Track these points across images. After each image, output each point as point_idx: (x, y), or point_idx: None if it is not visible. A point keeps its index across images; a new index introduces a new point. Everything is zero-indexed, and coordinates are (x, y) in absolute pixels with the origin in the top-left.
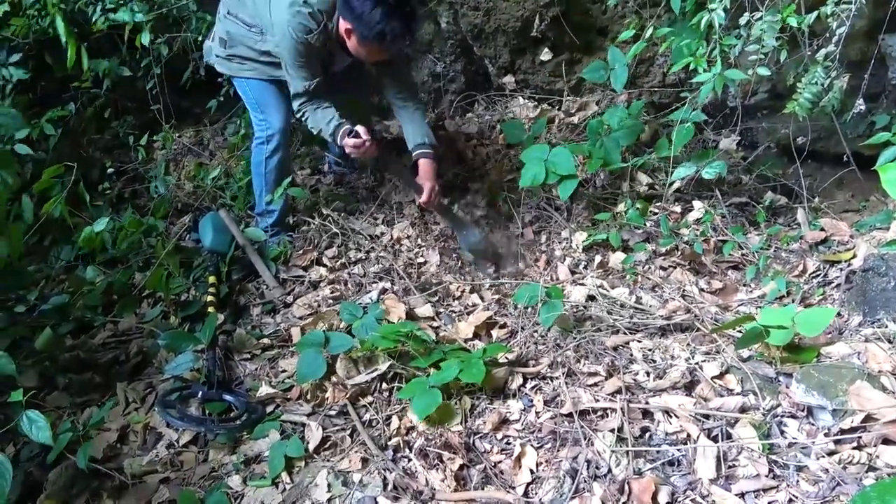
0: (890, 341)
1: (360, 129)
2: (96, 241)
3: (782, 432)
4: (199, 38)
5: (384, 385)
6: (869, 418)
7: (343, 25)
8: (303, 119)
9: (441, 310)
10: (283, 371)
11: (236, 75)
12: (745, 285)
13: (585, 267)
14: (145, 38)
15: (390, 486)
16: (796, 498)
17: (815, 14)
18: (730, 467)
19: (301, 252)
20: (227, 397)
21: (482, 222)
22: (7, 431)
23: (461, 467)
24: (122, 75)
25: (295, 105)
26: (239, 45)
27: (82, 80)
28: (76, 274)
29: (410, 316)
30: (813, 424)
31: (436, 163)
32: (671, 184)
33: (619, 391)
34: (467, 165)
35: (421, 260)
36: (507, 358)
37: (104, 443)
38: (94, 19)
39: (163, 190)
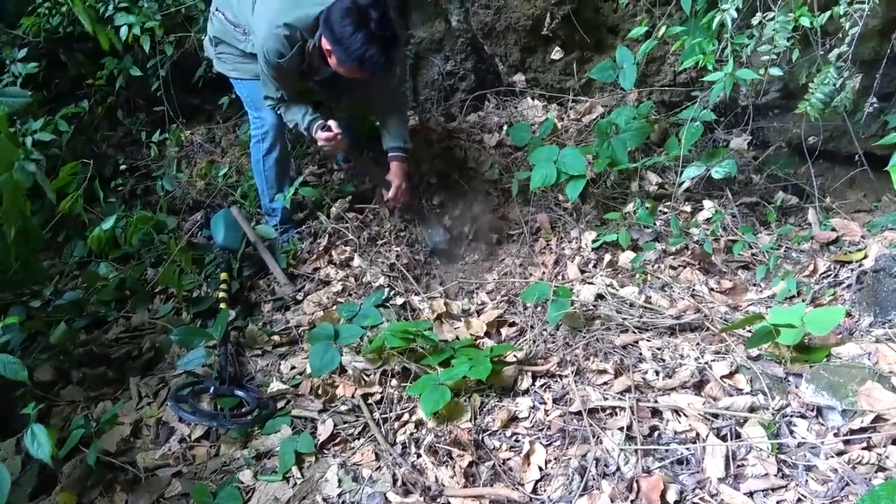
0: None
1: (331, 123)
2: (104, 240)
3: (791, 432)
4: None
5: (394, 382)
6: (879, 419)
7: (324, 44)
8: (278, 112)
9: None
10: (294, 367)
11: (229, 74)
12: (755, 285)
13: (595, 266)
14: (146, 44)
15: (399, 482)
16: (805, 497)
17: (828, 14)
18: (739, 466)
19: (311, 249)
20: (239, 393)
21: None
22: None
23: (470, 464)
24: (135, 75)
25: (268, 103)
26: (225, 43)
27: (96, 78)
28: (90, 270)
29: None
30: (822, 424)
31: (407, 164)
32: (681, 183)
33: (628, 390)
34: (476, 165)
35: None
36: (515, 356)
37: (117, 437)
38: (106, 16)
39: (169, 187)
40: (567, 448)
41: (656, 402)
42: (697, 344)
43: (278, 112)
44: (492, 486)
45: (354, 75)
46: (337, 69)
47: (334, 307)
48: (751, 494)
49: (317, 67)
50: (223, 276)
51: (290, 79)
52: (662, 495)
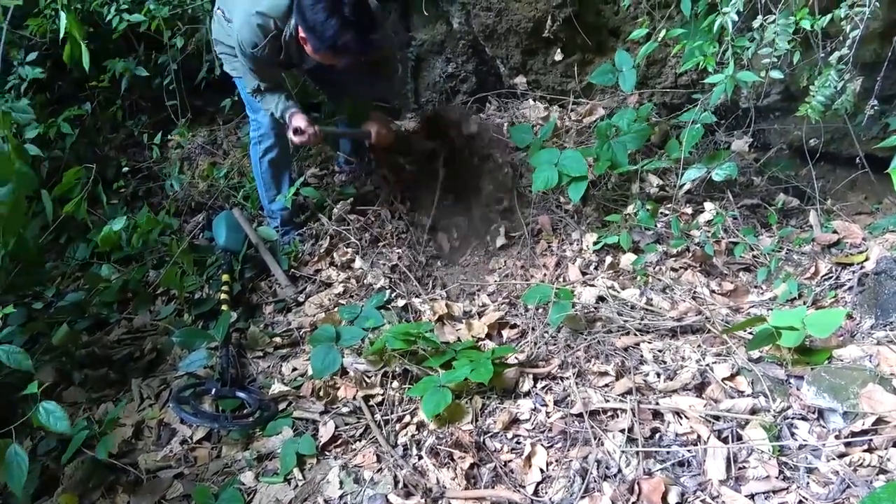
0: None
1: (301, 123)
2: (114, 239)
3: (793, 434)
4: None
5: (395, 384)
6: (880, 421)
7: (299, 32)
8: (258, 100)
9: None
10: (295, 369)
11: (231, 74)
12: (756, 287)
13: (596, 268)
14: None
15: (401, 484)
16: (806, 500)
17: (828, 17)
18: (740, 469)
19: (313, 251)
20: (240, 394)
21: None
22: (24, 426)
23: (471, 466)
24: (139, 75)
25: (248, 90)
26: (222, 44)
27: (99, 80)
28: (92, 271)
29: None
30: (823, 427)
31: (383, 114)
32: (682, 185)
33: (629, 392)
34: (477, 167)
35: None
36: (516, 358)
37: (119, 438)
38: (108, 18)
39: (177, 187)
40: (568, 450)
41: (657, 404)
42: (699, 346)
43: (259, 101)
44: (493, 487)
45: (331, 62)
46: (313, 56)
47: (336, 309)
48: (752, 497)
49: (297, 57)
50: (225, 277)
51: (268, 71)
52: (664, 497)
